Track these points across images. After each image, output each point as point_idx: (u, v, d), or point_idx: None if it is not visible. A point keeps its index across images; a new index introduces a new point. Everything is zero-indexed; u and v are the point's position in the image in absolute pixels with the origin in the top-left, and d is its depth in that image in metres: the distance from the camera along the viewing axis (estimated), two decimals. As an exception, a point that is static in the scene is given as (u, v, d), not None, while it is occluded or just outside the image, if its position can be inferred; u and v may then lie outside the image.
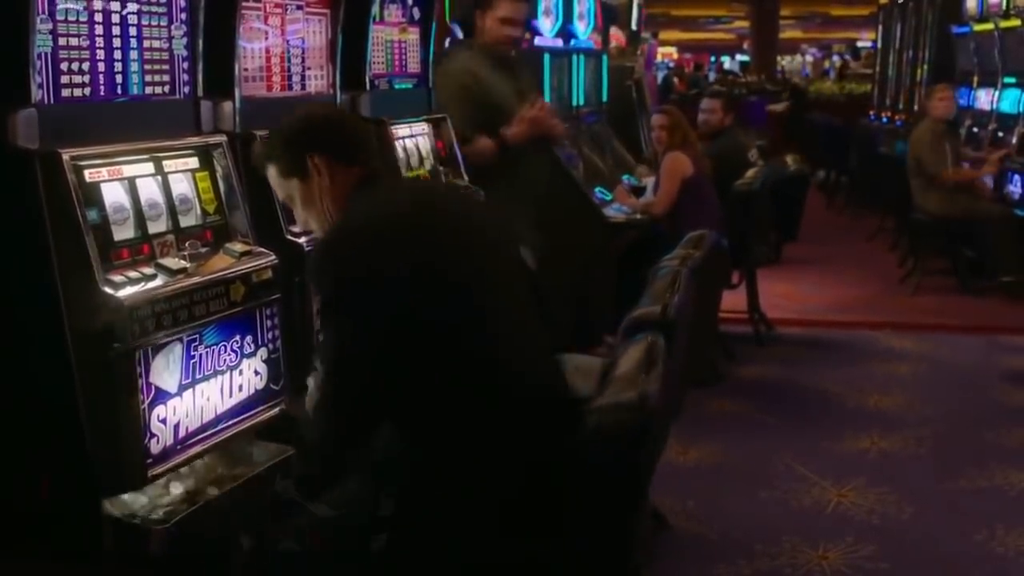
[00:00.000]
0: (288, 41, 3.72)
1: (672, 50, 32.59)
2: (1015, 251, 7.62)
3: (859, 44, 32.32)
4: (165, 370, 2.82)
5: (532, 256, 3.36)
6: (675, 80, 20.29)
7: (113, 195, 2.86)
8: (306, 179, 2.48)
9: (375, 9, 4.37)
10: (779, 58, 24.47)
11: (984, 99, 9.74)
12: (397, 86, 4.59)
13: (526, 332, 2.42)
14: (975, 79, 10.00)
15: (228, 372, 3.04)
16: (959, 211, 7.78)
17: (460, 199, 3.12)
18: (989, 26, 9.56)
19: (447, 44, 6.20)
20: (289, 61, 3.74)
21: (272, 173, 2.56)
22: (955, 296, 7.97)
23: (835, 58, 29.06)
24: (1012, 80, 9.17)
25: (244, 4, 3.44)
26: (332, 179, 2.46)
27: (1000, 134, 9.00)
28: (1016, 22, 8.99)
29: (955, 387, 5.84)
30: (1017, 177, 8.08)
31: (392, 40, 4.58)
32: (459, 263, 2.32)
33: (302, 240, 3.37)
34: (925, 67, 11.75)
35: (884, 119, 12.81)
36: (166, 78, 3.15)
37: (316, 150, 2.45)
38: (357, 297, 2.21)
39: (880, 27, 14.02)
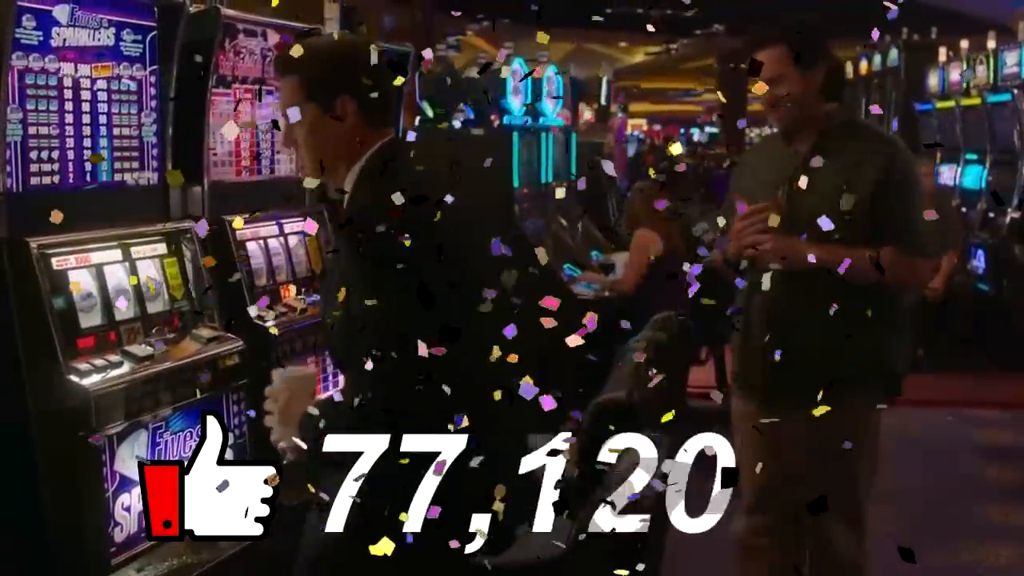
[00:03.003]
0: (258, 126, 3.76)
1: (642, 122, 32.98)
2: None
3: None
4: (130, 458, 2.81)
5: None
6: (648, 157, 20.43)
7: (80, 282, 2.86)
8: (325, 114, 2.20)
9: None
10: (747, 130, 24.85)
11: (947, 175, 9.90)
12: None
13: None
14: (938, 155, 10.17)
15: (194, 458, 3.03)
16: None
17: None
18: (950, 103, 9.75)
19: (416, 122, 6.29)
20: (259, 146, 3.78)
21: (291, 82, 2.24)
22: (924, 370, 8.03)
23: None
24: (973, 156, 9.33)
25: (214, 90, 3.48)
26: (353, 129, 2.21)
27: (963, 209, 9.13)
28: (976, 100, 9.17)
29: (924, 462, 5.86)
30: (980, 252, 8.19)
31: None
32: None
33: (269, 324, 3.37)
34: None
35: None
36: (135, 164, 3.17)
37: (349, 94, 2.19)
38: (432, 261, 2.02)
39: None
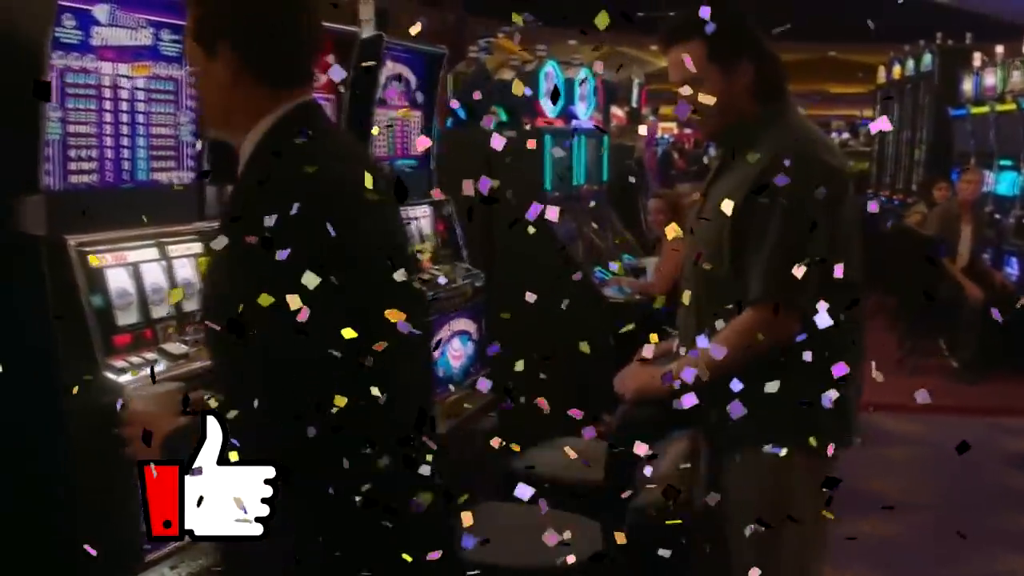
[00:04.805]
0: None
1: (673, 125, 32.84)
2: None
3: (864, 121, 32.61)
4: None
5: None
6: (675, 156, 20.35)
7: (117, 280, 2.89)
8: (206, 60, 1.87)
9: (378, 92, 4.43)
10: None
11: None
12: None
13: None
14: (971, 161, 10.10)
15: (227, 456, 3.04)
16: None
17: None
18: (985, 109, 9.68)
19: (448, 124, 6.28)
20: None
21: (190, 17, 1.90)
22: (954, 378, 7.97)
23: (834, 135, 29.31)
24: (1008, 163, 9.25)
25: (250, 91, 3.49)
26: (237, 84, 1.86)
27: (997, 216, 9.06)
28: (1011, 106, 9.10)
29: (955, 471, 5.81)
30: (1014, 260, 8.12)
31: (395, 121, 4.64)
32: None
33: (303, 323, 3.38)
34: (922, 147, 11.87)
35: (883, 198, 12.91)
36: (172, 164, 3.19)
37: (228, 38, 1.83)
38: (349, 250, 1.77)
39: (878, 107, 14.18)
